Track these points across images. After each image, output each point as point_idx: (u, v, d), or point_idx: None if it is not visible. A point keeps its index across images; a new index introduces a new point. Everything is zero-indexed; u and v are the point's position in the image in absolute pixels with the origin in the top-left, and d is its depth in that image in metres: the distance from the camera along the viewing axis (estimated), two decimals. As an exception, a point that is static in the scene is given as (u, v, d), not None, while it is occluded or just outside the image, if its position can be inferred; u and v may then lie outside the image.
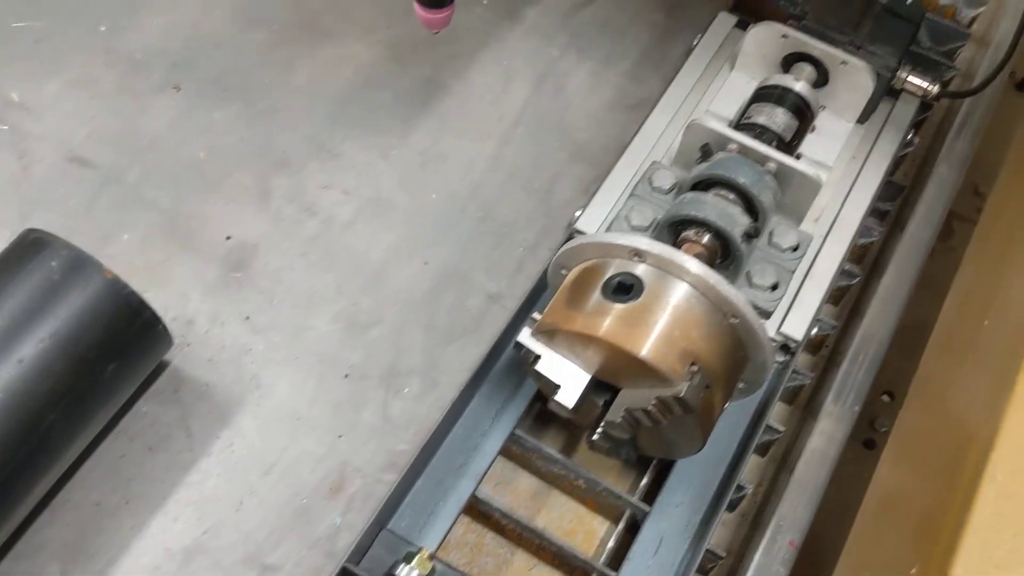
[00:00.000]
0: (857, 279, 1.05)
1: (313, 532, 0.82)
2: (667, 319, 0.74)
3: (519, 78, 1.18)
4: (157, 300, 0.84)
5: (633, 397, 0.75)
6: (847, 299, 1.11)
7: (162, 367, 0.91)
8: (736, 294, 0.75)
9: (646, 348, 0.72)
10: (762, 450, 0.99)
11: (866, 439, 1.04)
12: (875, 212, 1.10)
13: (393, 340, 0.96)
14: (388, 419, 0.91)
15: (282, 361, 0.94)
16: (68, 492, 0.84)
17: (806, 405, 1.03)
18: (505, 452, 0.92)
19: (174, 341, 0.87)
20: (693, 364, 0.73)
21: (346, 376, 0.94)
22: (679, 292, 0.75)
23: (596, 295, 0.76)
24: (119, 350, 0.79)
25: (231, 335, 0.95)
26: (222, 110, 1.09)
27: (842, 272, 0.97)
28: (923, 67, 1.03)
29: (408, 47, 1.17)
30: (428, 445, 0.84)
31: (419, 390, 0.93)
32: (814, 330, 0.92)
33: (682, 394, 0.71)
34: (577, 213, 0.95)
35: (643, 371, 0.73)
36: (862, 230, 0.99)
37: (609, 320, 0.74)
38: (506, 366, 0.92)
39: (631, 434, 0.75)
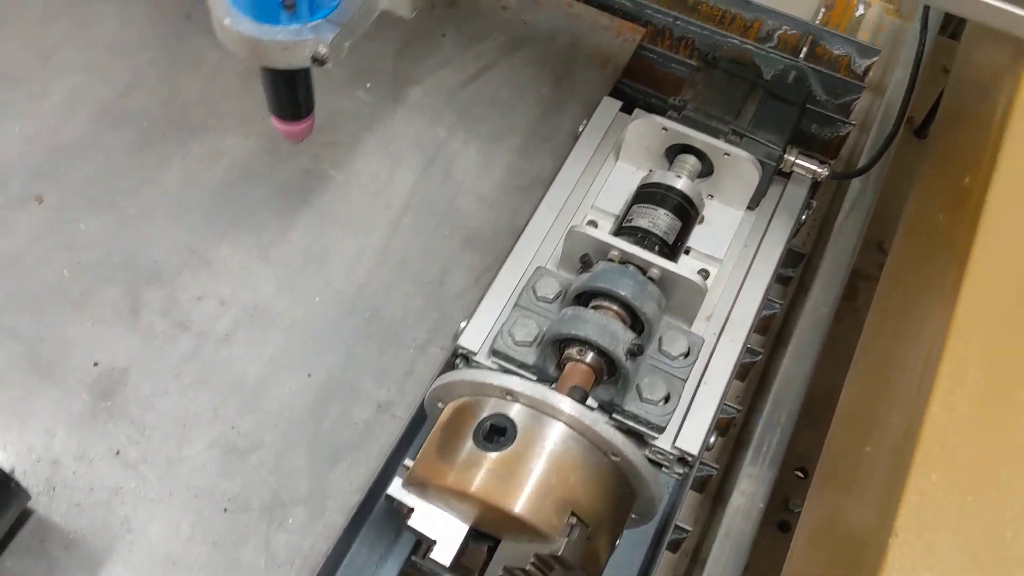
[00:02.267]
0: (760, 356, 1.03)
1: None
2: (543, 467, 0.71)
3: (405, 163, 1.13)
4: (19, 442, 0.78)
5: (513, 551, 0.72)
6: (753, 374, 1.10)
7: (25, 516, 0.86)
8: (613, 433, 0.72)
9: (519, 503, 0.69)
10: (673, 547, 0.96)
11: (780, 521, 1.02)
12: (779, 279, 1.08)
13: (275, 465, 0.92)
14: (271, 556, 0.87)
15: (155, 499, 0.88)
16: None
17: (716, 493, 1.01)
18: (403, 581, 0.88)
19: (30, 496, 0.81)
20: (573, 515, 0.70)
21: (224, 510, 0.89)
22: (555, 434, 0.72)
23: (468, 443, 0.72)
24: None
25: (100, 474, 0.89)
26: (88, 221, 1.03)
27: (746, 350, 0.95)
28: (819, 123, 1.01)
29: (286, 138, 1.12)
30: (312, 585, 0.80)
31: (304, 519, 0.89)
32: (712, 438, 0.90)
33: (560, 552, 0.68)
34: (463, 324, 0.92)
35: (520, 526, 0.69)
36: (763, 305, 0.96)
37: (481, 474, 0.70)
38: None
39: (519, 592, 0.72)
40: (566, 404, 0.72)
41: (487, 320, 0.91)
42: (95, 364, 0.95)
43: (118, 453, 0.90)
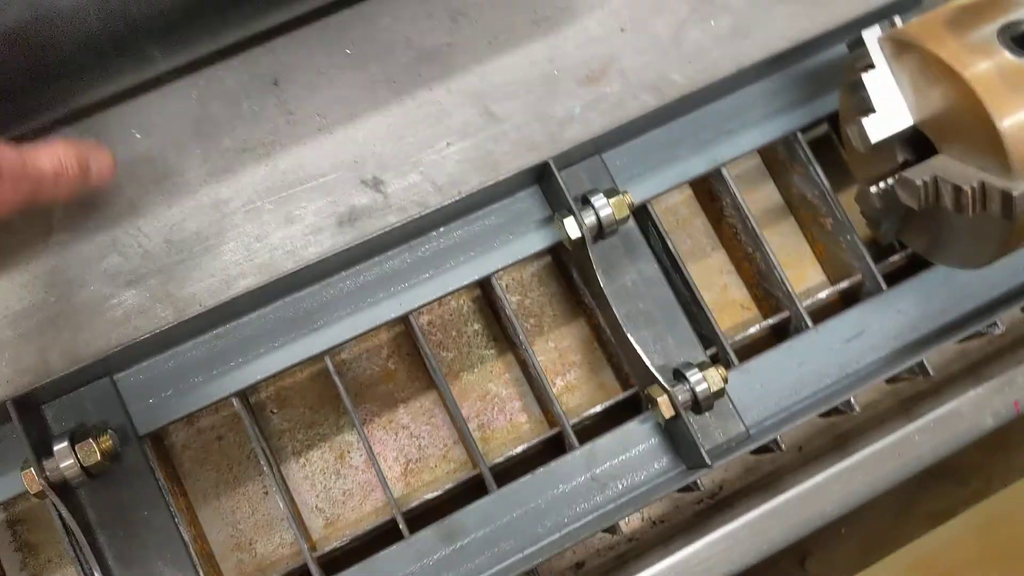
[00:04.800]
0: None
1: (550, 107, 0.75)
2: (1052, 104, 0.57)
3: None
4: None
5: (950, 168, 0.61)
6: None
7: None
8: None
9: (1009, 121, 0.56)
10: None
11: None
12: None
13: None
14: (679, 42, 0.78)
15: None
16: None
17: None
18: (768, 158, 0.80)
19: None
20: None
21: None
22: (1089, 82, 0.57)
23: (989, 30, 0.59)
24: None
25: None
26: None
27: None
28: None
29: None
30: (689, 98, 0.73)
31: (728, 29, 0.79)
32: None
33: (1015, 193, 0.56)
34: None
35: (987, 146, 0.58)
36: None
37: (988, 66, 0.58)
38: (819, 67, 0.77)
39: (917, 206, 0.62)
40: None
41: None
42: None
43: None
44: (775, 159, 0.82)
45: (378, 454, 0.76)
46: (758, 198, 0.84)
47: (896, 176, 0.64)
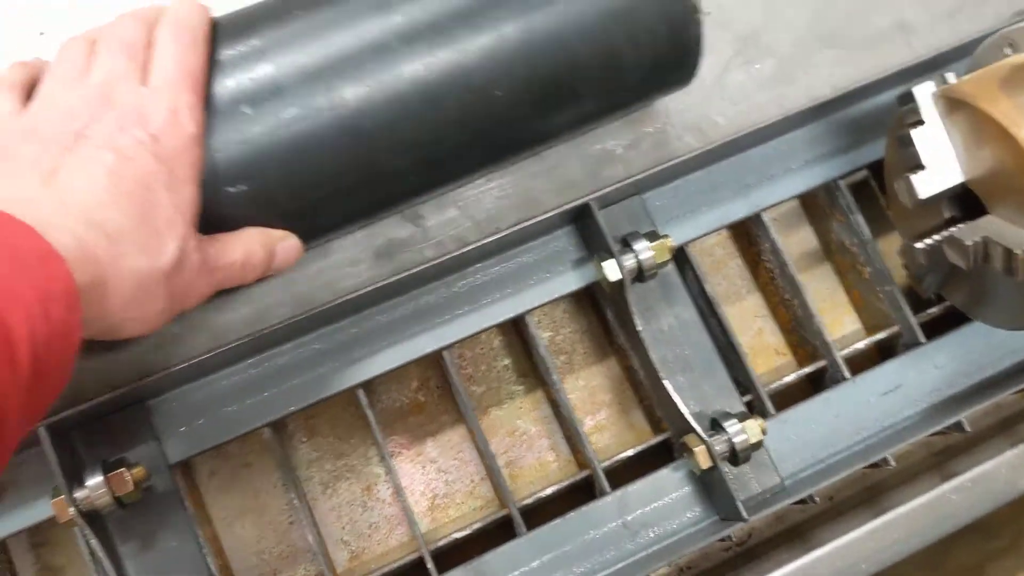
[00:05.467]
0: None
1: (590, 145, 0.74)
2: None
3: None
4: None
5: (1001, 230, 0.60)
6: None
7: None
8: None
9: (1063, 186, 0.56)
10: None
11: None
12: None
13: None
14: (722, 84, 0.78)
15: None
16: None
17: None
18: (807, 202, 0.80)
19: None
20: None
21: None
22: None
23: (1045, 95, 0.58)
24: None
25: None
26: None
27: None
28: None
29: None
30: (733, 143, 0.72)
31: (772, 73, 0.78)
32: None
33: (1063, 262, 0.56)
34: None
35: (1036, 209, 0.57)
36: None
37: (1043, 129, 0.57)
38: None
39: (966, 266, 0.61)
40: None
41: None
42: None
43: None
44: (814, 203, 0.82)
45: (405, 487, 0.75)
46: (795, 241, 0.83)
47: (944, 235, 0.63)
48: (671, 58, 0.64)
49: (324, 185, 0.58)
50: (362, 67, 0.57)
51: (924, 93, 0.63)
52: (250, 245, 0.57)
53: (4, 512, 0.64)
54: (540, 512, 0.71)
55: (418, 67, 0.57)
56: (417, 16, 0.57)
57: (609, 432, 0.78)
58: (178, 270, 0.50)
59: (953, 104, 0.61)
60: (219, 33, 0.58)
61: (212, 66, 0.56)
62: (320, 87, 0.56)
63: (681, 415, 0.67)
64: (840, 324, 0.82)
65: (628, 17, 0.60)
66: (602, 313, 0.78)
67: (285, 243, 0.59)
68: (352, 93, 0.56)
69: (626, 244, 0.68)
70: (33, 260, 0.41)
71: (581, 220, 0.71)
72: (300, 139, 0.56)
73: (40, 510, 0.63)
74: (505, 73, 0.59)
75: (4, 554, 0.71)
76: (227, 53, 0.57)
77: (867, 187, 0.82)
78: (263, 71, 0.56)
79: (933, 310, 0.77)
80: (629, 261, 0.67)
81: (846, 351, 0.75)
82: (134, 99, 0.51)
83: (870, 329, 0.81)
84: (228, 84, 0.56)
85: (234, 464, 0.74)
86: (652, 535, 0.68)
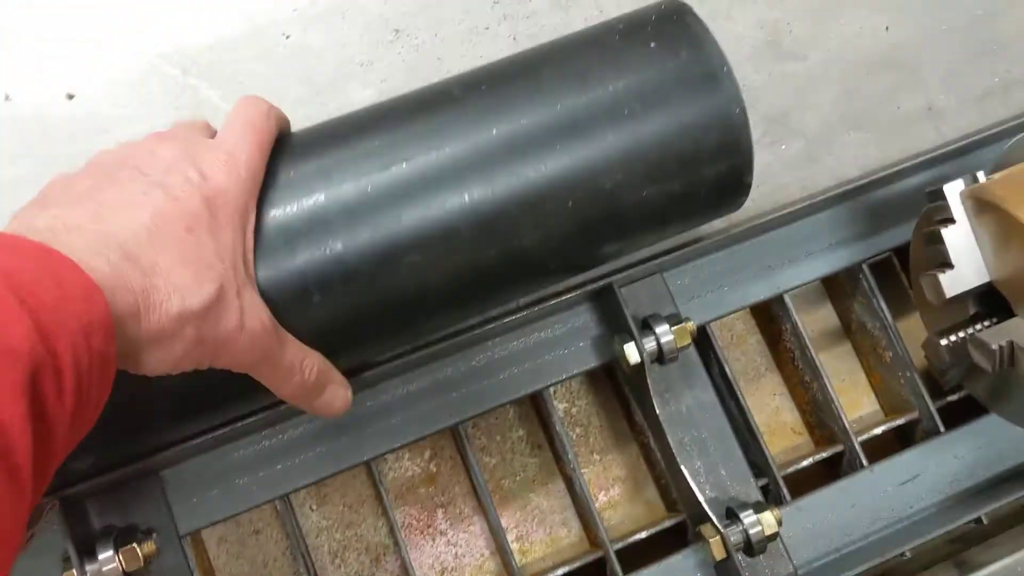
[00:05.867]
0: None
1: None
2: None
3: None
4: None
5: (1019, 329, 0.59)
6: None
7: None
8: None
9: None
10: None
11: None
12: None
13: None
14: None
15: None
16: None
17: None
18: (828, 280, 0.79)
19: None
20: None
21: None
22: None
23: (1076, 197, 0.58)
24: None
25: None
26: None
27: None
28: None
29: None
30: (757, 226, 0.72)
31: (798, 154, 0.78)
32: None
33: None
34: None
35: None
36: None
37: (1074, 238, 0.56)
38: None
39: (991, 369, 0.61)
40: None
41: None
42: None
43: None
44: (836, 282, 0.81)
45: (414, 560, 0.74)
46: (815, 319, 0.82)
47: (969, 335, 0.63)
48: (720, 209, 0.65)
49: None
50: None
51: (954, 192, 0.62)
52: (309, 359, 0.54)
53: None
54: (550, 592, 0.71)
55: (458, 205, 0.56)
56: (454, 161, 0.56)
57: (622, 509, 0.77)
58: (214, 317, 0.48)
59: (983, 205, 0.61)
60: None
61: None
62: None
63: (697, 502, 0.66)
64: (858, 405, 0.81)
65: (683, 187, 0.60)
66: (619, 386, 0.78)
67: (339, 389, 0.57)
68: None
69: (647, 326, 0.68)
70: (77, 292, 0.41)
71: (602, 298, 0.71)
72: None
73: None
74: (554, 229, 0.58)
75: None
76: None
77: (890, 267, 0.81)
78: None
79: (953, 397, 0.76)
80: (650, 344, 0.67)
81: (863, 436, 0.75)
82: (196, 145, 0.52)
83: (888, 411, 0.80)
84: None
85: (244, 531, 0.74)
86: (664, 623, 0.67)
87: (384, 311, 0.56)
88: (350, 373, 0.59)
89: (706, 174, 0.60)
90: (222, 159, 0.52)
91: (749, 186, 0.63)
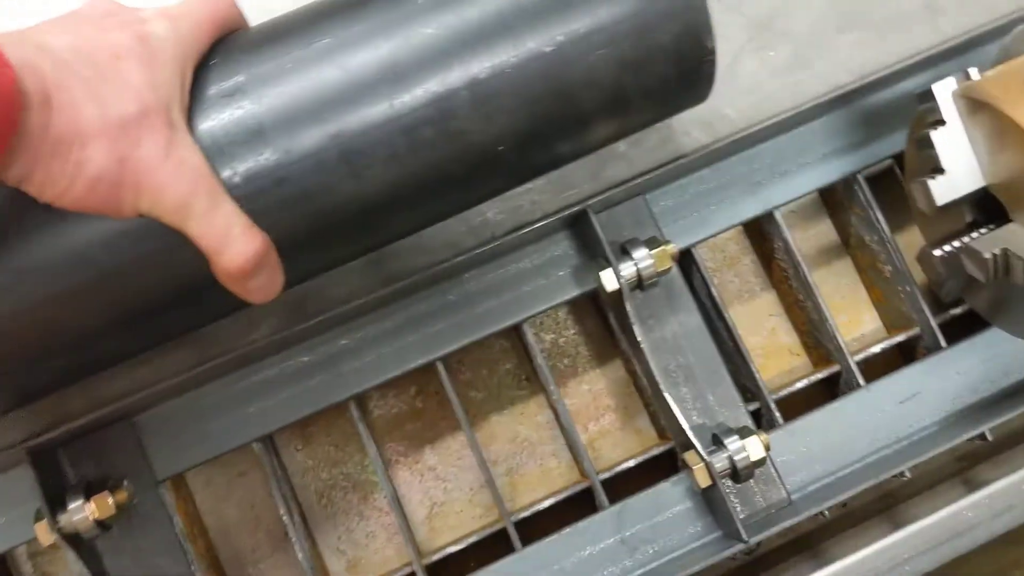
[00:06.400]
0: None
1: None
2: None
3: None
4: None
5: (1023, 240, 0.56)
6: None
7: None
8: None
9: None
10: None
11: None
12: None
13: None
14: (734, 73, 0.73)
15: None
16: None
17: None
18: (825, 193, 0.75)
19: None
20: None
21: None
22: None
23: (1075, 94, 0.54)
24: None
25: None
26: None
27: None
28: None
29: None
30: (744, 139, 0.68)
31: (787, 60, 0.73)
32: None
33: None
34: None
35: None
36: None
37: (1070, 136, 0.52)
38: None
39: (985, 279, 0.57)
40: None
41: None
42: None
43: None
44: (832, 196, 0.77)
45: (403, 496, 0.73)
46: (812, 234, 0.79)
47: (963, 245, 0.59)
48: (683, 85, 0.57)
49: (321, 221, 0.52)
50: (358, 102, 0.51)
51: (944, 92, 0.58)
52: (251, 229, 0.48)
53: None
54: (541, 522, 0.69)
55: (409, 99, 0.51)
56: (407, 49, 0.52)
57: (614, 437, 0.76)
58: (133, 135, 0.45)
59: (975, 105, 0.57)
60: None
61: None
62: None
63: (682, 429, 0.64)
64: (859, 322, 0.78)
65: (635, 51, 0.53)
66: (606, 315, 0.75)
67: (277, 274, 0.50)
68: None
69: (625, 252, 0.65)
70: None
71: (580, 224, 0.68)
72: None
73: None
74: (501, 110, 0.52)
75: (3, 564, 0.71)
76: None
77: (891, 176, 0.77)
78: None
79: (956, 311, 0.73)
80: (628, 270, 0.64)
81: (862, 355, 0.72)
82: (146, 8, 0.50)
83: (890, 328, 0.77)
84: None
85: (229, 474, 0.73)
86: (651, 552, 0.66)
87: (322, 205, 0.51)
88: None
89: (659, 37, 0.53)
90: (165, 14, 0.49)
91: (711, 52, 0.55)
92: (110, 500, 0.59)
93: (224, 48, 0.52)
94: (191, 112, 0.49)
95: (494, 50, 0.52)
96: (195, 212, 0.47)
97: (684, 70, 0.55)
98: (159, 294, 0.52)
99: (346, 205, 0.52)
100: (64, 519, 0.59)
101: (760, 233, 0.77)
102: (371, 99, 0.51)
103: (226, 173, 0.49)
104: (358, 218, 0.53)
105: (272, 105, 0.50)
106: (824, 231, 0.79)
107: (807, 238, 0.78)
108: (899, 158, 0.72)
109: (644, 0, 0.53)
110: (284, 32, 0.53)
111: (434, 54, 0.51)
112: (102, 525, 0.59)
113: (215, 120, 0.50)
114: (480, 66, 0.51)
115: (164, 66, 0.47)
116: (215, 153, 0.49)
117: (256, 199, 0.50)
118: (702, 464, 0.62)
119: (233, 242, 0.47)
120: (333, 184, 0.51)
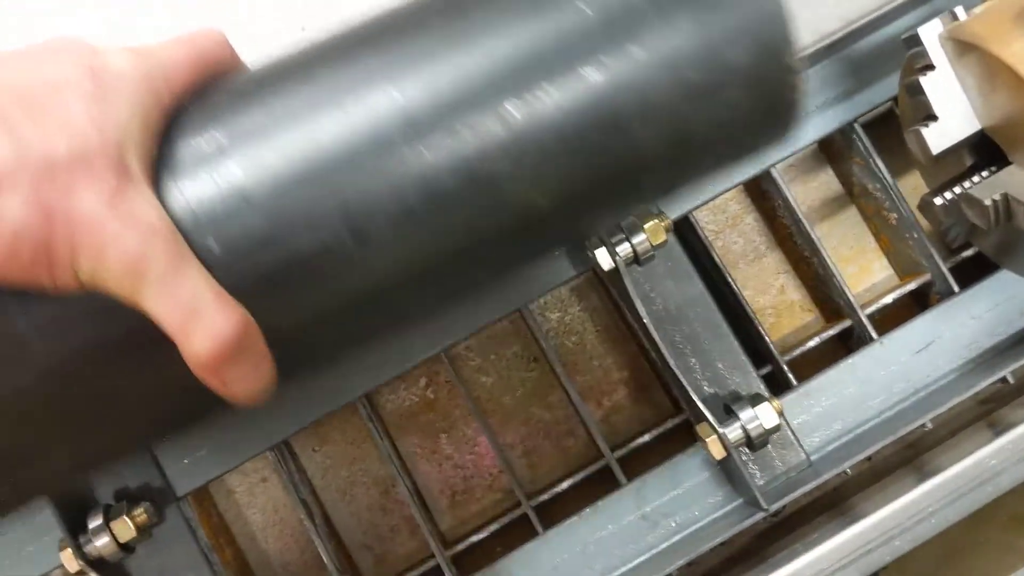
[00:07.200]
0: None
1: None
2: None
3: None
4: None
5: (1022, 182, 0.54)
6: None
7: None
8: None
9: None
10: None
11: None
12: None
13: None
14: None
15: None
16: None
17: None
18: (825, 143, 0.74)
19: None
20: None
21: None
22: None
23: (1066, 27, 0.51)
24: None
25: None
26: None
27: None
28: None
29: None
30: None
31: None
32: None
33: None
34: None
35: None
36: None
37: (1063, 71, 0.50)
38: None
39: (986, 226, 0.56)
40: None
41: None
42: None
43: None
44: (831, 146, 0.75)
45: (423, 486, 0.74)
46: (814, 187, 0.77)
47: (961, 192, 0.57)
48: (759, 115, 0.45)
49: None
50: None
51: (931, 35, 0.56)
52: (229, 306, 0.39)
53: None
54: (563, 502, 0.69)
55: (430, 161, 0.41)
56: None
57: (628, 411, 0.75)
58: (65, 181, 0.37)
59: (963, 47, 0.55)
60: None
61: None
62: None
63: (693, 401, 0.63)
64: (869, 271, 0.77)
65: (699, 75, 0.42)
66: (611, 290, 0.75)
67: (264, 363, 0.41)
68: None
69: (618, 227, 0.64)
70: None
71: (572, 201, 0.67)
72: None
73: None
74: (537, 153, 0.42)
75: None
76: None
77: (892, 118, 0.75)
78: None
79: (967, 253, 0.71)
80: (622, 247, 0.63)
81: (873, 308, 0.70)
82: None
83: (902, 276, 0.75)
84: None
85: (251, 480, 0.74)
86: (673, 525, 0.66)
87: (318, 275, 0.42)
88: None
89: (728, 55, 0.42)
90: (132, 49, 0.42)
91: (795, 74, 0.44)
92: (130, 523, 0.60)
93: (211, 92, 0.44)
94: (160, 164, 0.41)
95: (525, 81, 0.42)
96: (150, 279, 0.38)
97: (760, 95, 0.44)
98: (124, 395, 0.42)
99: (348, 273, 0.42)
100: (88, 546, 0.59)
101: (759, 190, 0.76)
102: (378, 143, 0.41)
103: (200, 240, 0.40)
104: (363, 289, 0.42)
105: (258, 157, 0.41)
106: (826, 181, 0.77)
107: (809, 190, 0.77)
108: (897, 101, 0.70)
109: (706, 10, 0.42)
110: (280, 74, 0.44)
111: (455, 85, 0.41)
112: (126, 548, 0.60)
113: (188, 175, 0.41)
114: (508, 99, 0.41)
115: (118, 105, 0.39)
116: (186, 214, 0.40)
117: (235, 268, 0.40)
118: (715, 436, 0.62)
119: (202, 318, 0.38)
120: (332, 246, 0.41)
